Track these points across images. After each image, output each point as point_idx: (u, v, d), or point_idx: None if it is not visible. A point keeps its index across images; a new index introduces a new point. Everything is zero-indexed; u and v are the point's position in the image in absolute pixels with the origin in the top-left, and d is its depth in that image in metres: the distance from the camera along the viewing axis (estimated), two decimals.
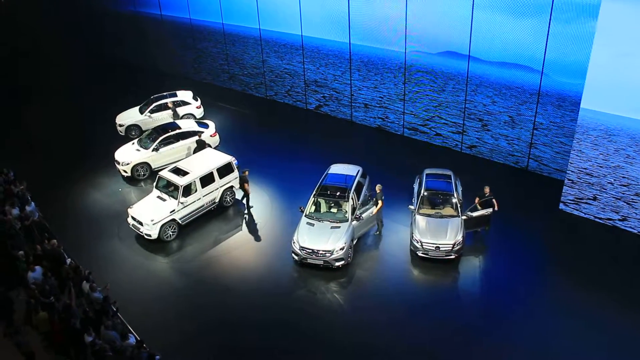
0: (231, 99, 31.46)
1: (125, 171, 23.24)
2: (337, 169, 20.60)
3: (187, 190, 19.81)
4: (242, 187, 21.01)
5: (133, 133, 27.06)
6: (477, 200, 19.21)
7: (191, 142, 24.15)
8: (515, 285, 17.20)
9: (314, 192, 19.37)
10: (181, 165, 20.76)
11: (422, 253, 18.25)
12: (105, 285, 15.66)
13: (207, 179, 20.37)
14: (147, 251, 19.45)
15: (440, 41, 23.09)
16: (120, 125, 26.99)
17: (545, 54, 20.46)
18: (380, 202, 19.08)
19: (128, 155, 23.43)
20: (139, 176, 23.45)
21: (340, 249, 17.72)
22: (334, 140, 26.02)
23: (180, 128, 24.34)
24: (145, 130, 26.36)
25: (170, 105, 26.74)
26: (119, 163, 23.31)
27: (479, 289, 17.21)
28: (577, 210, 19.79)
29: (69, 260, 17.58)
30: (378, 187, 19.31)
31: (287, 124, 27.89)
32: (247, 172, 20.94)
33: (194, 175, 20.06)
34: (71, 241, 19.38)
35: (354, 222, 18.54)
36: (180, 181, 19.75)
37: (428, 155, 24.13)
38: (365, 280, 17.84)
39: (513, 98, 22.22)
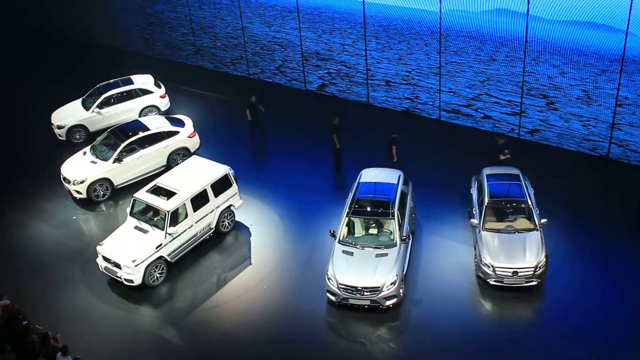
0: (202, 81, 31.00)
1: (78, 192, 22.78)
2: (370, 175, 20.55)
3: (175, 216, 19.52)
4: (333, 139, 22.17)
5: (78, 137, 26.52)
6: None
7: (164, 146, 23.77)
8: (629, 316, 17.44)
9: (346, 209, 19.29)
10: (163, 182, 20.41)
11: (494, 280, 18.40)
12: None
13: (199, 199, 20.12)
14: (127, 302, 19.14)
15: None
16: (60, 127, 26.40)
17: (631, 8, 20.69)
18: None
19: (81, 170, 22.94)
20: (97, 197, 23.01)
21: (392, 284, 17.75)
22: (347, 130, 25.84)
23: (148, 128, 23.91)
24: (96, 133, 25.78)
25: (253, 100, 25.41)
26: (69, 182, 22.81)
27: (578, 325, 17.40)
28: None
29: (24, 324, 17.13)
30: (501, 140, 21.70)
31: (282, 112, 27.69)
32: (337, 120, 22.52)
33: (182, 196, 19.77)
34: (19, 295, 18.89)
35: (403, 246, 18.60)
36: (166, 205, 19.44)
37: (475, 146, 24.27)
38: (424, 320, 17.93)
39: (588, 67, 22.47)
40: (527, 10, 22.49)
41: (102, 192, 23.04)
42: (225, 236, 21.21)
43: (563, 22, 22.28)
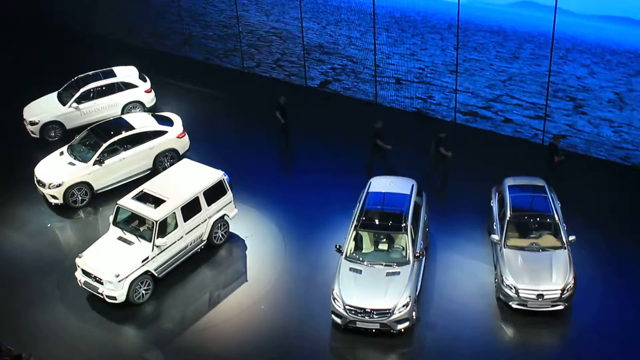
0: (191, 75, 31.03)
1: (54, 197, 22.76)
2: (380, 184, 20.62)
3: (164, 226, 19.53)
4: (378, 144, 22.62)
5: (53, 134, 26.53)
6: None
7: (150, 147, 23.80)
8: None
9: (354, 222, 19.35)
10: (150, 188, 20.42)
11: (517, 304, 18.47)
12: None
13: (190, 208, 20.12)
14: (109, 321, 19.08)
15: None
16: (33, 124, 26.40)
17: None
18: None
19: (57, 172, 22.91)
20: (74, 203, 23.00)
21: (404, 306, 17.80)
22: (353, 131, 26.13)
23: (132, 127, 23.93)
24: (74, 131, 25.80)
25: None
26: (43, 185, 22.79)
27: (608, 354, 17.49)
28: None
29: None
30: (556, 138, 22.04)
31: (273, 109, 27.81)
32: (380, 125, 22.84)
33: (172, 204, 19.77)
34: None
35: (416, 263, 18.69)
36: (154, 214, 19.43)
37: (495, 152, 24.41)
38: (440, 347, 17.95)
39: (621, 67, 22.62)
40: (555, 3, 22.57)
41: (80, 198, 23.03)
42: (218, 249, 21.21)
43: (594, 17, 22.44)
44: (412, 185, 20.50)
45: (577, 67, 23.29)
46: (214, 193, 20.74)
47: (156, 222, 19.20)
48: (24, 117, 26.68)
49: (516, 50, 24.09)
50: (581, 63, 23.20)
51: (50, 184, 22.64)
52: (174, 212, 19.68)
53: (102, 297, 19.04)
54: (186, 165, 21.69)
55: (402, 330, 17.96)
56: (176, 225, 19.79)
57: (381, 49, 26.83)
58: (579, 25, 22.70)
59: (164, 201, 19.83)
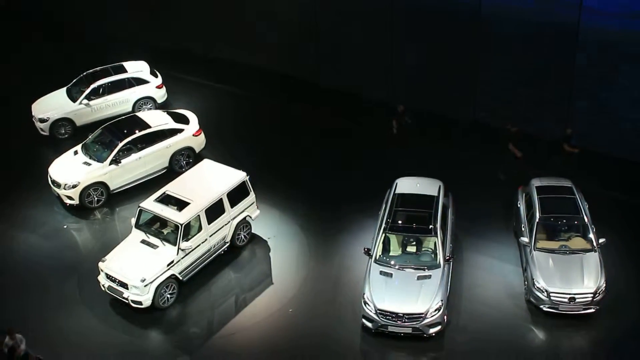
0: (195, 67, 31.07)
1: (70, 197, 22.81)
2: (406, 185, 20.84)
3: (188, 229, 19.66)
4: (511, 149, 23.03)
5: (63, 131, 26.53)
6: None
7: (166, 146, 23.86)
8: None
9: (382, 224, 19.55)
10: (173, 190, 20.53)
11: (548, 307, 18.78)
12: None
13: (214, 210, 20.27)
14: (134, 326, 19.24)
15: None
16: (42, 121, 26.37)
17: None
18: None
19: (73, 172, 22.96)
20: (90, 203, 23.07)
21: (436, 310, 18.07)
22: (366, 129, 26.43)
23: (148, 125, 23.98)
24: (83, 128, 25.98)
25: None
26: (58, 185, 22.84)
27: None
28: None
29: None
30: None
31: (295, 107, 27.86)
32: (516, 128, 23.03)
33: (197, 207, 19.90)
34: (8, 317, 18.99)
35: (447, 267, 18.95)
36: (179, 217, 19.56)
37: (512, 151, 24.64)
38: (471, 350, 18.26)
39: None
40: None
41: (96, 198, 23.14)
42: (241, 251, 21.39)
43: (621, 14, 22.63)
44: (439, 187, 20.71)
45: (604, 65, 23.46)
46: (237, 194, 20.90)
47: (181, 225, 19.32)
48: (33, 114, 26.66)
49: (538, 47, 24.22)
50: (607, 62, 23.35)
51: (65, 185, 22.70)
52: (199, 215, 19.80)
53: (126, 301, 19.14)
54: (208, 166, 21.79)
55: (434, 334, 18.22)
56: (200, 228, 19.94)
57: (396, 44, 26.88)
58: (603, 22, 22.82)
59: (188, 203, 19.95)
